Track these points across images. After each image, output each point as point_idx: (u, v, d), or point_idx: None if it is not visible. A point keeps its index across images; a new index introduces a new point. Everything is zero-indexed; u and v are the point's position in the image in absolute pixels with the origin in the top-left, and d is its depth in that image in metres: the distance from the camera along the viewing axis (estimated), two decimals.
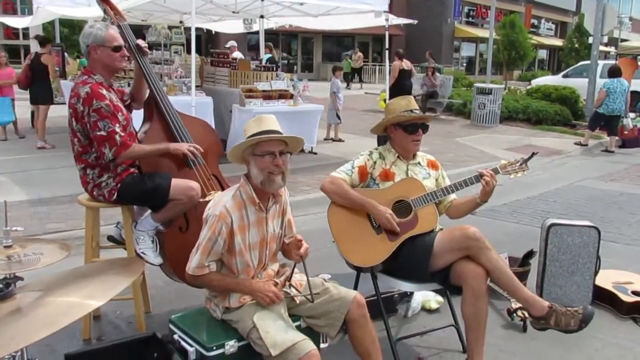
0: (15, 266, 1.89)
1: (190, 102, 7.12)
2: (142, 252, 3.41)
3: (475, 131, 13.17)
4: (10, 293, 1.34)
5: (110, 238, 3.68)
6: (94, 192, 3.27)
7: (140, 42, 3.48)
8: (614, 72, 11.79)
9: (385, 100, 12.96)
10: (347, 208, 3.13)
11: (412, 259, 3.00)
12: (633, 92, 13.84)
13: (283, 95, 8.85)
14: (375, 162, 3.26)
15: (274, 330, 2.39)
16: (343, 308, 2.58)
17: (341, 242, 3.09)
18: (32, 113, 11.20)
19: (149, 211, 3.48)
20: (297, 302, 2.64)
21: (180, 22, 11.79)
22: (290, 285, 2.64)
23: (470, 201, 3.23)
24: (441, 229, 3.16)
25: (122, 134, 3.13)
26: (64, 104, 11.44)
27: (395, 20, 10.11)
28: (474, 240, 2.87)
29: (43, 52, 10.10)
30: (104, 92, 3.13)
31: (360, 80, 29.04)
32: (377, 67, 32.40)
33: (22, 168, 7.87)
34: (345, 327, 2.64)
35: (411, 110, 3.26)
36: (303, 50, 34.49)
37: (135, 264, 1.57)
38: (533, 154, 3.28)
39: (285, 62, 30.78)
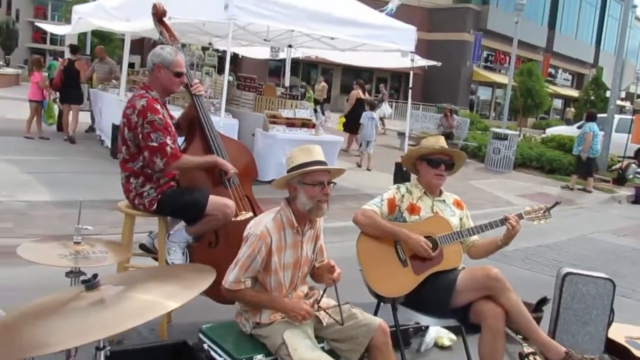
0: (82, 261, 2.03)
1: (218, 122, 7.30)
2: (172, 263, 3.54)
3: (489, 175, 13.30)
4: (97, 284, 1.47)
5: (142, 246, 3.81)
6: (136, 201, 3.42)
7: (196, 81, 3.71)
8: (592, 116, 12.57)
9: (343, 125, 14.39)
10: (375, 239, 3.26)
11: (435, 294, 3.11)
12: None
13: (306, 124, 9.03)
14: (403, 196, 3.40)
15: (303, 348, 2.50)
16: (368, 334, 2.68)
17: (367, 271, 3.21)
18: (60, 113, 11.69)
19: (183, 224, 3.63)
20: (324, 324, 2.74)
21: (210, 44, 12.09)
22: (319, 307, 2.76)
23: (492, 243, 3.34)
24: (463, 268, 3.28)
25: (173, 145, 3.31)
26: (88, 110, 11.99)
27: (421, 61, 10.33)
28: (495, 281, 2.99)
29: (75, 59, 11.22)
30: (158, 107, 3.32)
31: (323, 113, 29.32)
32: (393, 104, 32.75)
33: (49, 169, 8.08)
34: (366, 353, 2.74)
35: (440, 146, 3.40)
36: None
37: (208, 271, 1.69)
38: (557, 203, 3.41)
39: (303, 90, 31.19)
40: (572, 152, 13.10)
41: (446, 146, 3.41)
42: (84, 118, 12.01)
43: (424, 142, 3.50)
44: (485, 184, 11.89)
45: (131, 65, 14.12)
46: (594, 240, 8.36)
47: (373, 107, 12.95)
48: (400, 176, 9.09)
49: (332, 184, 2.71)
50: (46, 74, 12.73)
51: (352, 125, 13.09)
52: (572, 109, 35.10)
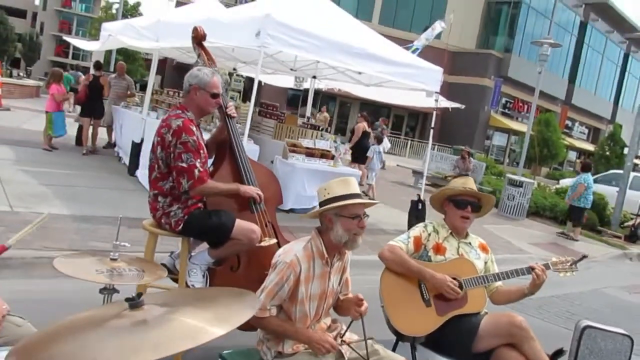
0: (117, 279, 2.02)
1: None
2: (192, 285, 3.52)
3: (502, 221, 13.24)
4: (141, 303, 1.46)
5: (163, 266, 3.80)
6: (162, 220, 3.43)
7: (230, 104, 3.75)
8: (587, 167, 12.87)
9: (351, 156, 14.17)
10: (399, 276, 3.24)
11: (457, 337, 3.07)
12: None
13: (325, 155, 9.07)
14: (429, 235, 3.39)
15: None
16: None
17: (390, 307, 3.19)
18: (80, 128, 11.79)
19: (206, 246, 3.63)
20: (346, 359, 2.71)
21: (234, 69, 12.26)
22: (343, 341, 2.73)
23: (518, 290, 3.32)
24: (486, 313, 3.25)
25: (201, 169, 3.33)
26: (104, 126, 12.18)
27: (444, 102, 10.40)
28: (519, 329, 2.96)
29: (99, 75, 11.54)
30: (194, 128, 3.35)
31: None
32: (409, 142, 32.90)
33: (66, 183, 8.12)
34: None
35: (466, 188, 3.40)
36: (339, 113, 35.22)
37: (251, 297, 1.68)
38: (584, 257, 3.40)
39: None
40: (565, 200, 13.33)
41: (474, 188, 3.41)
42: (101, 134, 12.15)
43: (452, 183, 3.52)
44: (498, 229, 11.82)
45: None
46: (605, 295, 8.25)
47: (380, 141, 13.35)
48: (415, 215, 9.11)
49: (367, 217, 2.71)
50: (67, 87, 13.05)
51: (359, 157, 13.23)
52: (580, 160, 35.20)
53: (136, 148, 9.36)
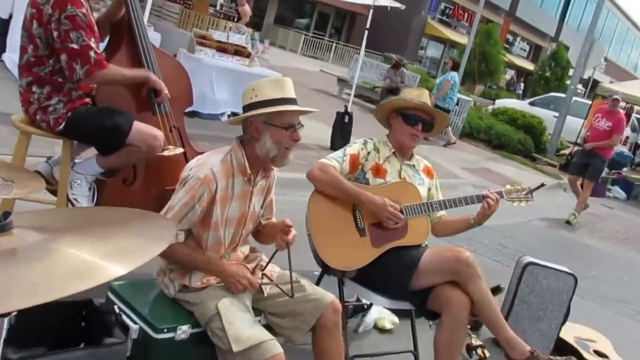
0: None
1: None
2: (75, 199, 3.26)
3: (432, 141, 13.46)
4: (8, 226, 1.20)
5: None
6: (37, 116, 3.07)
7: None
8: (457, 66, 14.25)
9: None
10: (332, 200, 3.11)
11: (393, 272, 3.02)
12: None
13: (240, 51, 8.68)
14: (369, 153, 3.25)
15: (240, 323, 2.33)
16: (316, 311, 2.55)
17: (318, 236, 3.06)
18: None
19: (94, 152, 3.32)
20: (265, 294, 2.59)
21: None
22: (264, 274, 2.59)
23: (462, 221, 3.29)
24: (427, 246, 3.21)
25: (98, 51, 2.97)
26: None
27: (383, 1, 10.13)
28: (466, 266, 2.93)
29: None
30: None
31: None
32: (334, 45, 32.50)
33: None
34: (310, 332, 2.62)
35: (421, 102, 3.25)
36: (255, 5, 33.96)
37: (162, 222, 1.45)
38: (542, 185, 3.41)
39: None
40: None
41: (429, 102, 3.28)
42: None
43: (404, 93, 3.38)
44: (428, 151, 12.00)
45: None
46: (538, 229, 8.69)
47: None
48: (340, 129, 9.03)
49: (301, 127, 2.51)
50: None
51: None
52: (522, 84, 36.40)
53: (3, 26, 8.53)
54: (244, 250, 2.70)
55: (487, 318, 3.00)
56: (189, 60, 8.18)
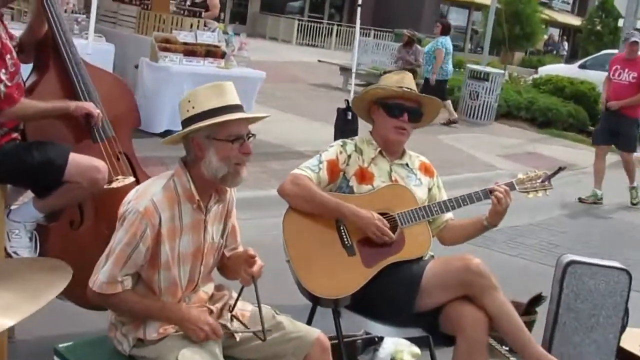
0: None
1: (85, 49, 6.97)
2: (14, 252, 3.37)
3: (464, 128, 13.50)
4: None
5: None
6: None
7: None
8: (447, 29, 14.03)
9: None
10: (310, 217, 3.17)
11: (393, 294, 3.07)
12: None
13: (212, 52, 8.79)
14: (349, 157, 3.32)
15: None
16: (300, 351, 2.61)
17: (298, 262, 3.13)
18: None
19: (30, 195, 3.43)
20: (238, 339, 2.65)
21: None
22: (233, 316, 2.66)
23: (473, 223, 3.34)
24: (432, 257, 3.26)
25: (8, 83, 3.08)
26: None
27: None
28: (477, 276, 2.97)
29: None
30: None
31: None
32: (335, 28, 32.64)
33: None
34: None
35: (402, 88, 3.31)
36: None
37: (61, 268, 1.53)
38: (560, 169, 3.44)
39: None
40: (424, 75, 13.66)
41: (413, 87, 3.34)
42: None
43: (383, 80, 3.43)
44: (458, 140, 12.05)
45: None
46: (598, 217, 8.67)
47: None
48: (341, 129, 9.07)
49: (252, 137, 2.58)
50: None
51: None
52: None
53: None
54: (207, 289, 2.76)
55: (508, 335, 3.03)
56: (154, 70, 8.32)
